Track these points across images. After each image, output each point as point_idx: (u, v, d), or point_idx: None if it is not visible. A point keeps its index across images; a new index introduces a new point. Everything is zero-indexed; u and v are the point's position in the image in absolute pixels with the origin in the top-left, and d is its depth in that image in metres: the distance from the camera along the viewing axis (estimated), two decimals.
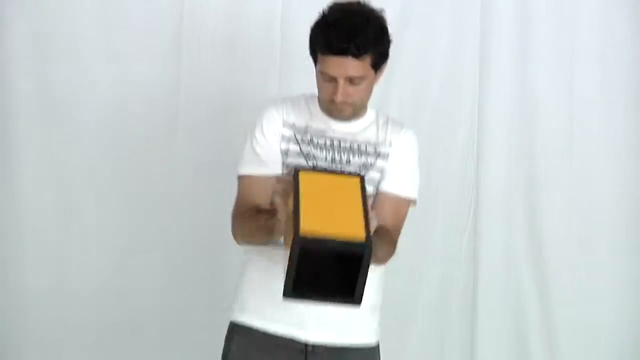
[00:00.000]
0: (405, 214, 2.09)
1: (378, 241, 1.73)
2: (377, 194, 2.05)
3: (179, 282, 2.95)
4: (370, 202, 1.91)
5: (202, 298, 2.94)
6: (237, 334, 2.08)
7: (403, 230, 2.08)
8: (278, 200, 1.75)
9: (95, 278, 2.95)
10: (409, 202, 2.09)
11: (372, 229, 1.62)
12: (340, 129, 2.05)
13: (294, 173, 1.68)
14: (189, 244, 2.96)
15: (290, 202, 1.66)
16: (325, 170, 1.71)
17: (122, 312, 2.96)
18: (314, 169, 1.70)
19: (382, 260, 1.96)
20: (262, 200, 1.96)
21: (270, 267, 1.98)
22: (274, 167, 2.02)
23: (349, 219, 1.57)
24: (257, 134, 2.03)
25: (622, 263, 3.14)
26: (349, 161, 2.02)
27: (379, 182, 2.05)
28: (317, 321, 2.00)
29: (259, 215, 1.92)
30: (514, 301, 3.14)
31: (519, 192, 3.12)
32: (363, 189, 1.68)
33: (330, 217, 1.55)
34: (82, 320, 2.95)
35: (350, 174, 1.71)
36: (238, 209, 2.04)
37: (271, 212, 1.81)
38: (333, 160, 2.01)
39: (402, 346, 3.06)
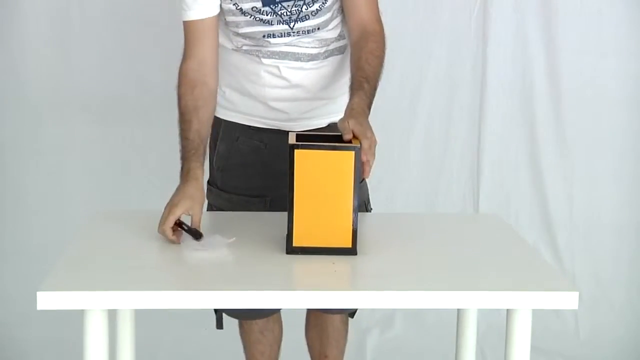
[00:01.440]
0: None
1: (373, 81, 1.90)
2: None
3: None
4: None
5: None
6: (225, 127, 2.11)
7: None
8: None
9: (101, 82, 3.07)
10: None
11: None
12: None
13: (290, 149, 1.65)
14: None
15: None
16: (321, 146, 1.67)
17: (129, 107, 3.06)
18: (310, 146, 1.67)
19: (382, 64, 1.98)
20: (208, 47, 1.95)
21: (254, 71, 2.02)
22: (212, 4, 1.94)
23: (339, 220, 1.66)
24: None
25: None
26: None
27: None
28: (300, 113, 2.04)
29: (183, 137, 1.91)
30: (522, 72, 3.16)
31: None
32: (357, 162, 1.65)
33: (320, 220, 1.66)
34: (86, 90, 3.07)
35: (346, 147, 1.67)
36: (185, 66, 1.96)
37: (185, 161, 1.87)
38: None
39: (410, 121, 3.16)
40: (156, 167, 3.10)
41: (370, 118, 1.84)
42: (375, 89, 1.94)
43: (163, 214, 1.75)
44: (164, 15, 3.00)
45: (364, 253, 1.69)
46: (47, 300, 1.45)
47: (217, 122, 2.13)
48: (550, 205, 3.22)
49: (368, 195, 2.21)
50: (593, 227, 3.24)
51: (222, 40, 2.06)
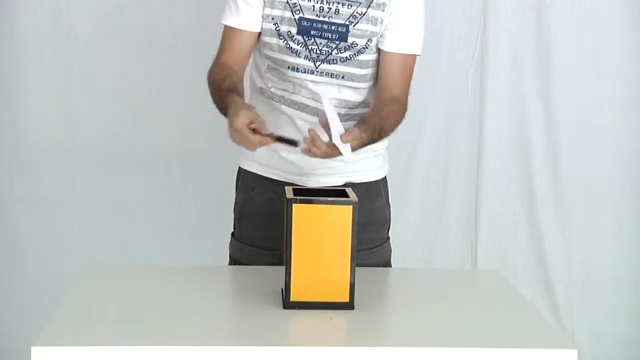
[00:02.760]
0: (413, 70, 2.05)
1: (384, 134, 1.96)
2: (384, 53, 2.02)
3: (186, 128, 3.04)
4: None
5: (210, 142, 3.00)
6: (243, 177, 2.14)
7: None
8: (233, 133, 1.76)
9: (101, 135, 3.04)
10: (415, 58, 2.06)
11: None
12: None
13: (288, 203, 1.66)
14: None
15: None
16: (318, 200, 1.68)
17: (129, 160, 3.05)
18: (307, 200, 1.68)
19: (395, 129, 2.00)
20: (237, 53, 2.01)
21: (272, 119, 1.98)
22: (252, 21, 2.00)
23: (336, 275, 1.66)
24: None
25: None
26: (338, 11, 1.98)
27: (372, 34, 2.00)
28: (312, 168, 2.04)
29: (219, 94, 1.92)
30: (519, 127, 3.16)
31: (527, 26, 3.10)
32: (354, 217, 1.66)
33: (317, 274, 1.66)
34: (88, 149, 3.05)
35: (343, 202, 1.68)
36: (215, 61, 2.03)
37: (226, 102, 1.84)
38: (321, 9, 1.98)
39: (407, 175, 3.15)
40: (157, 218, 3.10)
41: None
42: (378, 140, 1.96)
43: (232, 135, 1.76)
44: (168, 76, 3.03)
45: (362, 308, 1.68)
46: (42, 356, 1.44)
47: (238, 171, 2.17)
48: (548, 261, 3.21)
49: (390, 257, 2.20)
50: (591, 282, 3.22)
51: (255, 77, 2.10)
